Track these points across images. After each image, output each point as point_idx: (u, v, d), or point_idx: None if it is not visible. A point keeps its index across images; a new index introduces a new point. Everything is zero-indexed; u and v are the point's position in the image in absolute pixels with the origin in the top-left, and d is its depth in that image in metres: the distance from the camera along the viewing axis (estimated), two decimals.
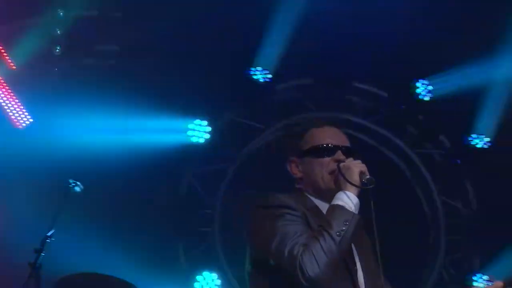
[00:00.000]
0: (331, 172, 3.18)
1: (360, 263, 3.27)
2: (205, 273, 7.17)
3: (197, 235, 7.49)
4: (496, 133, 7.61)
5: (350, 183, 3.07)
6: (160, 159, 7.14)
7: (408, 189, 7.92)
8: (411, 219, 7.76)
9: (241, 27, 7.22)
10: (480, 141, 7.62)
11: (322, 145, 3.24)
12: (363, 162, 3.15)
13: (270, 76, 7.51)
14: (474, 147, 7.68)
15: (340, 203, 3.06)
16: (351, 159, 3.18)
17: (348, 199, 3.07)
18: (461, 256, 7.75)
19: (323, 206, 3.23)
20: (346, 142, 3.30)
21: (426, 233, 7.83)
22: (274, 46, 7.37)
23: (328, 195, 3.18)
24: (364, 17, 7.20)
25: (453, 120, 7.69)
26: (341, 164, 3.13)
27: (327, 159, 3.20)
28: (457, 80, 7.50)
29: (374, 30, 7.27)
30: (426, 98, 7.68)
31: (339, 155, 3.20)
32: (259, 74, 7.53)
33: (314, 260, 2.96)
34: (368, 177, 3.08)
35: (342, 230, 2.99)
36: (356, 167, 3.11)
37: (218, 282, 7.22)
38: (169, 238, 7.36)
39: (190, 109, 7.54)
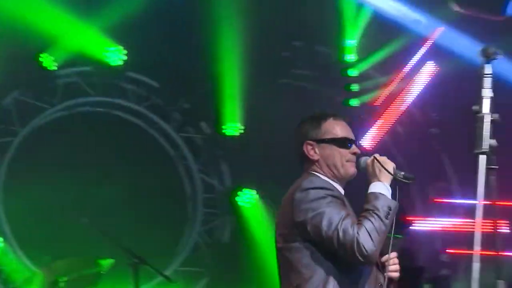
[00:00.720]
0: (347, 161, 3.42)
1: None
2: None
3: None
4: (247, 122, 8.49)
5: (392, 174, 3.35)
6: None
7: (172, 167, 8.73)
8: (174, 193, 8.72)
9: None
10: (233, 130, 8.43)
11: (344, 137, 3.48)
12: None
13: (56, 63, 8.00)
14: (228, 134, 8.51)
15: (382, 191, 3.31)
16: (377, 154, 3.45)
17: (386, 189, 3.33)
18: (214, 226, 8.81)
19: (340, 188, 3.48)
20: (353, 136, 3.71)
21: (185, 205, 8.71)
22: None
23: (342, 180, 3.44)
24: None
25: (213, 110, 8.49)
26: (378, 157, 3.41)
27: (346, 150, 3.43)
28: None
29: None
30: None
31: (355, 148, 3.48)
32: (47, 61, 7.97)
33: (370, 238, 3.19)
34: (403, 173, 3.41)
35: (388, 214, 3.27)
36: (390, 163, 3.42)
37: None
38: None
39: None
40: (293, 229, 3.39)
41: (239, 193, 8.71)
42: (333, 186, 3.40)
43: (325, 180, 3.41)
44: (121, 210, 8.11)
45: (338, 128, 3.49)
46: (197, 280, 8.56)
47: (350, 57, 9.07)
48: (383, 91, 9.04)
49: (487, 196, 2.89)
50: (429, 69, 8.82)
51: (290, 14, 8.51)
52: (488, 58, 2.97)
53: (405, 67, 8.95)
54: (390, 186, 3.35)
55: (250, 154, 8.75)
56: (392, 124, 8.98)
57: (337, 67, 9.20)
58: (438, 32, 8.60)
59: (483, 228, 2.80)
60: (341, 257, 3.22)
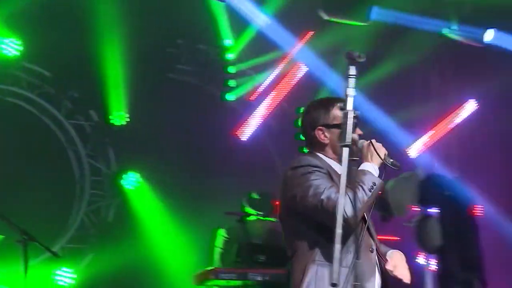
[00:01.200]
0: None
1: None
2: None
3: None
4: (133, 112, 8.82)
5: (381, 159, 3.59)
6: None
7: (63, 152, 8.98)
8: (64, 176, 8.96)
9: None
10: (119, 118, 8.72)
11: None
12: None
13: None
14: (115, 123, 8.77)
15: (370, 170, 3.55)
16: (374, 140, 3.69)
17: (374, 170, 3.57)
18: (100, 206, 9.07)
19: (336, 167, 3.68)
20: None
21: (74, 187, 8.98)
22: None
23: None
24: None
25: (101, 100, 8.77)
26: (374, 142, 3.65)
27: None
28: None
29: None
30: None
31: (357, 131, 3.69)
32: None
33: (351, 204, 3.42)
34: (392, 160, 3.65)
35: (372, 188, 3.49)
36: (383, 149, 3.66)
37: None
38: None
39: None
40: (287, 204, 3.67)
41: (124, 176, 8.96)
42: (328, 164, 3.66)
43: (320, 158, 3.67)
44: (12, 190, 8.16)
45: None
46: (83, 256, 8.72)
47: (229, 55, 9.37)
48: (258, 87, 9.37)
49: (348, 182, 3.08)
50: (298, 68, 9.18)
51: (176, 14, 8.69)
52: (352, 60, 3.14)
53: (279, 66, 9.29)
54: (379, 169, 3.59)
55: (135, 141, 9.01)
56: (265, 118, 9.37)
57: (217, 64, 9.54)
58: (308, 36, 8.91)
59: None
60: (329, 226, 3.35)
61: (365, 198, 3.46)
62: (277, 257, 6.04)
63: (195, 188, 8.86)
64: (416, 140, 9.21)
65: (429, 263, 7.04)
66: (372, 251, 3.63)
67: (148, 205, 8.93)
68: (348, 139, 3.04)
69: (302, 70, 9.28)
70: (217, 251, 6.41)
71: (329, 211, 3.36)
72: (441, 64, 9.20)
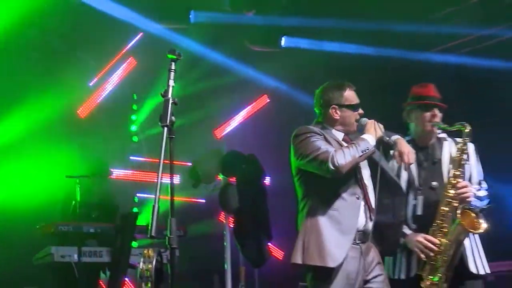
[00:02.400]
0: (356, 120, 4.12)
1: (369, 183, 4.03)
2: None
3: None
4: None
5: (382, 132, 4.06)
6: None
7: None
8: None
9: None
10: None
11: (357, 104, 4.16)
12: None
13: None
14: None
15: (368, 138, 3.96)
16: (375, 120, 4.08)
17: (371, 139, 3.98)
18: None
19: (340, 137, 4.13)
20: None
21: None
22: None
23: (350, 132, 4.16)
24: None
25: None
26: (375, 121, 4.09)
27: (356, 112, 4.14)
28: None
29: None
30: None
31: (360, 111, 4.15)
32: None
33: (343, 156, 3.83)
34: (388, 138, 4.12)
35: (364, 151, 3.90)
36: (381, 127, 4.08)
37: None
38: None
39: None
40: (293, 166, 4.08)
41: None
42: (335, 135, 4.12)
43: (329, 130, 4.13)
44: None
45: (353, 97, 4.15)
46: None
47: None
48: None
49: (166, 157, 3.23)
50: (129, 64, 9.48)
51: None
52: (174, 57, 3.37)
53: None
54: (376, 142, 3.99)
55: None
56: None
57: None
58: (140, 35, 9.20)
59: (162, 180, 3.15)
60: (324, 183, 3.84)
61: (356, 156, 3.84)
62: (107, 213, 6.63)
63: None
64: (223, 124, 10.09)
65: (228, 221, 7.56)
66: (358, 198, 3.97)
67: None
68: (168, 121, 3.25)
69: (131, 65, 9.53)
70: (58, 207, 6.84)
71: (323, 160, 3.80)
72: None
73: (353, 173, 3.89)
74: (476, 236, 3.97)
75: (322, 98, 4.15)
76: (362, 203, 3.92)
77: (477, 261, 4.00)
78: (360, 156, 3.84)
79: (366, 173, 4.02)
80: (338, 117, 4.11)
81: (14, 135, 8.52)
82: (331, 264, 3.74)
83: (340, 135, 4.07)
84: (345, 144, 3.98)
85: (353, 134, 4.11)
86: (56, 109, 8.68)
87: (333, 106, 4.10)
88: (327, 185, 3.86)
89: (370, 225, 3.91)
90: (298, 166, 3.97)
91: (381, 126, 4.03)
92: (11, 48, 8.44)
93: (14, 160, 8.61)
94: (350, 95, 4.13)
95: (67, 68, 8.83)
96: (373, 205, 3.92)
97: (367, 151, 3.87)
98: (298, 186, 4.05)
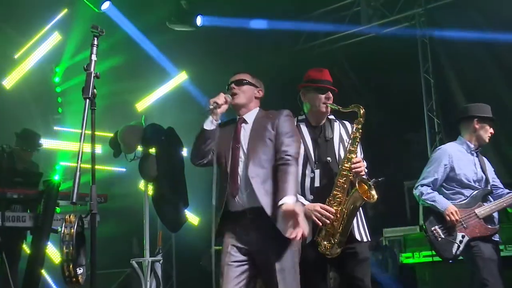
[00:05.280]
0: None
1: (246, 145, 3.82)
2: None
3: None
4: None
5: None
6: None
7: None
8: None
9: None
10: None
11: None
12: None
13: None
14: None
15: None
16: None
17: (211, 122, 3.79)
18: None
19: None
20: None
21: None
22: None
23: None
24: None
25: None
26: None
27: None
28: None
29: None
30: None
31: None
32: None
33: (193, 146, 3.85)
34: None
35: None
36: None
37: None
38: None
39: None
40: None
41: None
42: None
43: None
44: None
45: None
46: None
47: None
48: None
49: (88, 127, 3.20)
50: (53, 39, 9.33)
51: None
52: (96, 33, 3.37)
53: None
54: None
55: None
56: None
57: None
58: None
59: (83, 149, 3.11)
60: None
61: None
62: (31, 180, 6.44)
63: None
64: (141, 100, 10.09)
65: (148, 189, 7.55)
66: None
67: None
68: (89, 94, 3.23)
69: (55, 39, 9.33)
70: None
71: None
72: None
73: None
74: (360, 209, 4.06)
75: None
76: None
77: (361, 230, 4.11)
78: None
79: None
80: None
81: None
82: None
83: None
84: None
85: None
86: None
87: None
88: None
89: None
90: None
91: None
92: None
93: None
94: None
95: None
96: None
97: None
98: None
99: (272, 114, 3.84)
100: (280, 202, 3.44)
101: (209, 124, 3.73)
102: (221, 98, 3.75)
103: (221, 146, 3.77)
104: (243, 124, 3.89)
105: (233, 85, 3.92)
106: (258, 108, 3.99)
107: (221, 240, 3.77)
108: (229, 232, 3.71)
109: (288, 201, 3.43)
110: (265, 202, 3.58)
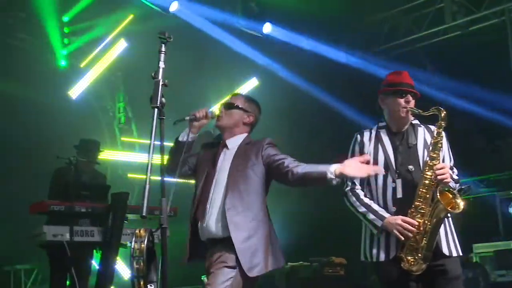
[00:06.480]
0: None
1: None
2: None
3: None
4: None
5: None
6: None
7: None
8: None
9: None
10: None
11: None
12: None
13: None
14: None
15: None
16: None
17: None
18: None
19: None
20: None
21: None
22: None
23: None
24: None
25: None
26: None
27: None
28: None
29: None
30: None
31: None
32: None
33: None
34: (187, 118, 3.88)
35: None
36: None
37: None
38: None
39: None
40: None
41: None
42: None
43: None
44: None
45: None
46: None
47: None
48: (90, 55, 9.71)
49: (157, 137, 3.17)
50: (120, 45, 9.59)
51: None
52: (163, 40, 3.32)
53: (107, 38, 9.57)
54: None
55: None
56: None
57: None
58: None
59: (153, 161, 3.07)
60: None
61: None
62: (98, 193, 6.50)
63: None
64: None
65: None
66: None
67: None
68: (158, 103, 3.21)
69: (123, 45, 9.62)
70: (51, 188, 6.66)
71: None
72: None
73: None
74: (449, 219, 3.92)
75: None
76: None
77: (450, 244, 3.91)
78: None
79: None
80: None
81: None
82: None
83: None
84: None
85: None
86: None
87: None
88: None
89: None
90: None
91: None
92: None
93: None
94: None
95: None
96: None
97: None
98: None
99: (257, 143, 3.90)
100: (331, 169, 3.59)
101: (184, 136, 3.84)
102: (201, 112, 3.82)
103: (200, 166, 3.90)
104: (224, 149, 3.92)
105: (222, 107, 3.98)
106: (245, 134, 3.99)
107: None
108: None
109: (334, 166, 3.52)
110: (234, 235, 3.65)
